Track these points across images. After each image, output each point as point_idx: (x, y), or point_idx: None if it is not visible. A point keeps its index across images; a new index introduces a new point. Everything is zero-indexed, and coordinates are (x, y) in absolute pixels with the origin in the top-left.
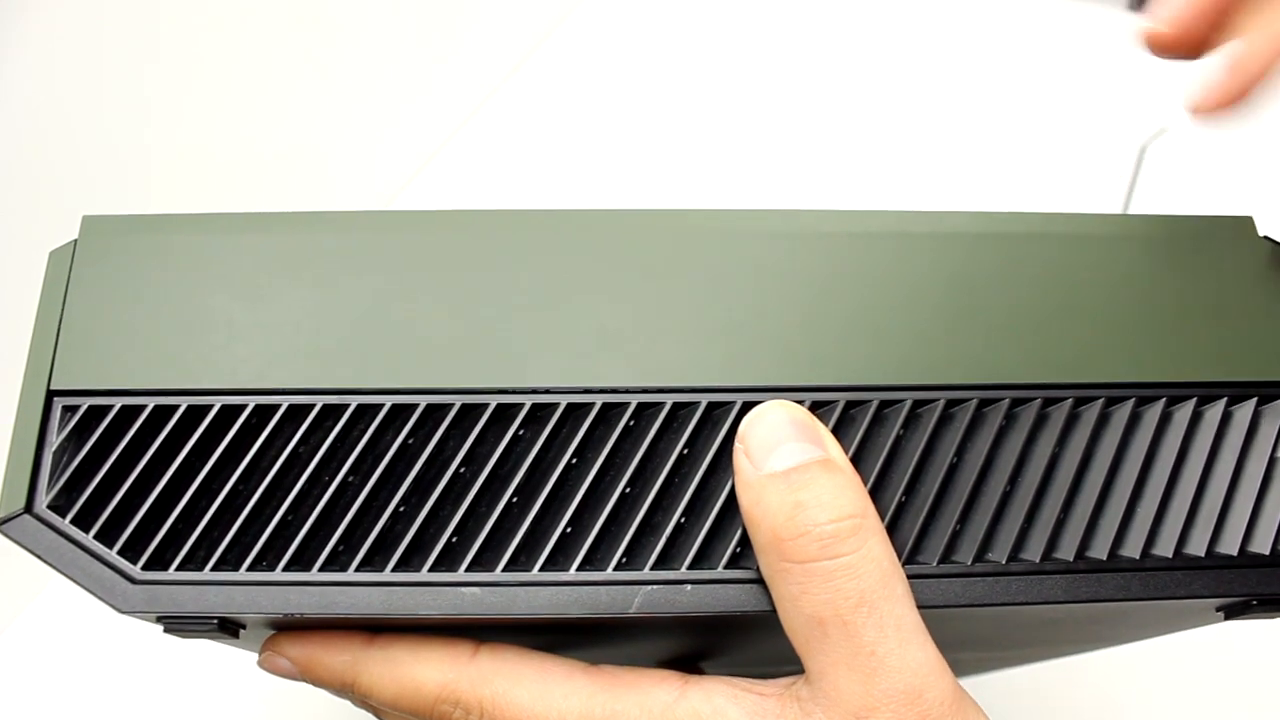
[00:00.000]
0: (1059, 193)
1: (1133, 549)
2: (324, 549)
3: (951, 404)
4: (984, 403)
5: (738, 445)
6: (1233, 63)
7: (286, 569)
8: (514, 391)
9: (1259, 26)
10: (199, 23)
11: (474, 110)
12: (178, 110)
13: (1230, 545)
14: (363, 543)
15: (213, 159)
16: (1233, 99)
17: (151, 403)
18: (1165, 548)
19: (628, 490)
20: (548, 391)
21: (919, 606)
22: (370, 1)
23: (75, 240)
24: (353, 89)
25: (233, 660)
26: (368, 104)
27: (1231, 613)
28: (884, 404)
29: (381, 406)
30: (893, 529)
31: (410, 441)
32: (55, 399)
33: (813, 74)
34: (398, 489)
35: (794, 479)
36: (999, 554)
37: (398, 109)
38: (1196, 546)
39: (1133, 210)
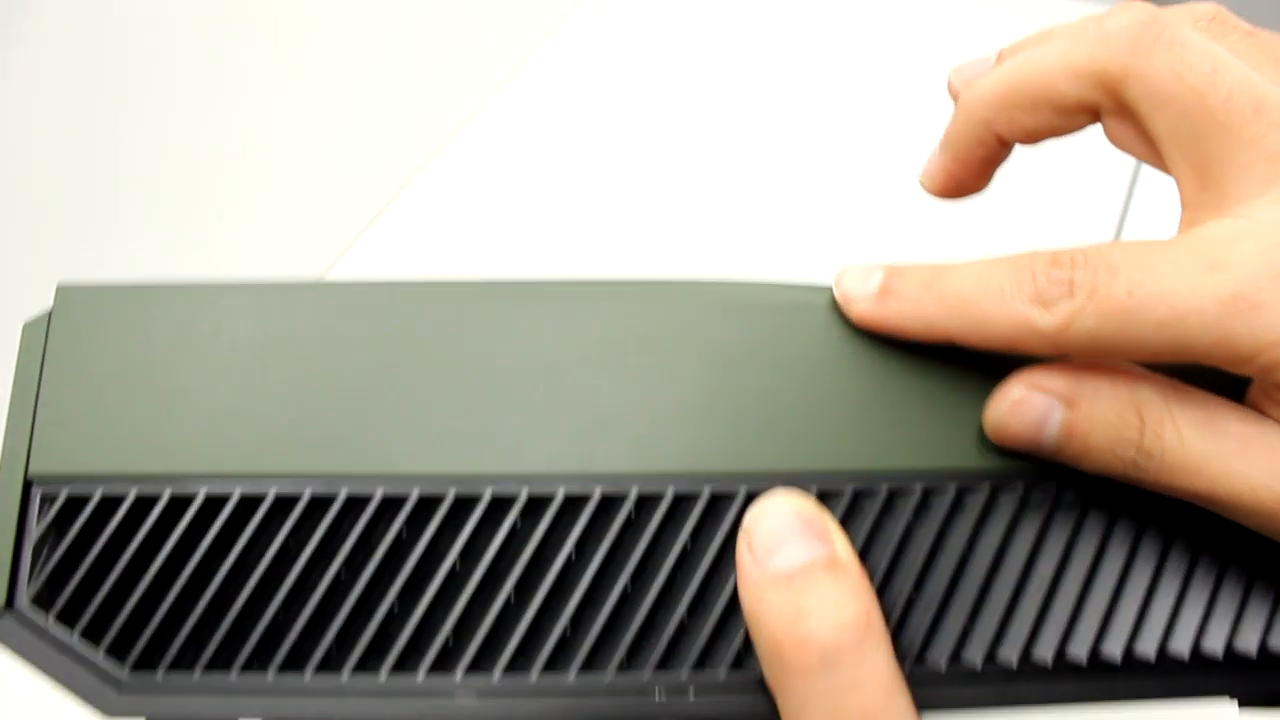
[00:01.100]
0: (1058, 194)
1: (1148, 646)
2: (317, 650)
3: (964, 491)
4: (997, 489)
5: (741, 539)
6: (943, 140)
7: (280, 672)
8: (509, 478)
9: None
10: (191, 15)
11: (473, 112)
12: (174, 105)
13: (1248, 643)
14: (357, 644)
15: (206, 156)
16: (954, 182)
17: (134, 490)
18: (1181, 645)
19: (629, 587)
20: (545, 478)
21: (926, 709)
22: (368, 4)
23: (50, 312)
24: (350, 92)
25: None
26: (365, 107)
27: (1245, 702)
28: (894, 492)
29: (372, 498)
30: (901, 626)
31: (403, 535)
32: (34, 486)
33: (815, 73)
34: (391, 586)
35: (797, 582)
36: (1010, 653)
37: (395, 111)
38: (1214, 644)
39: (1131, 212)
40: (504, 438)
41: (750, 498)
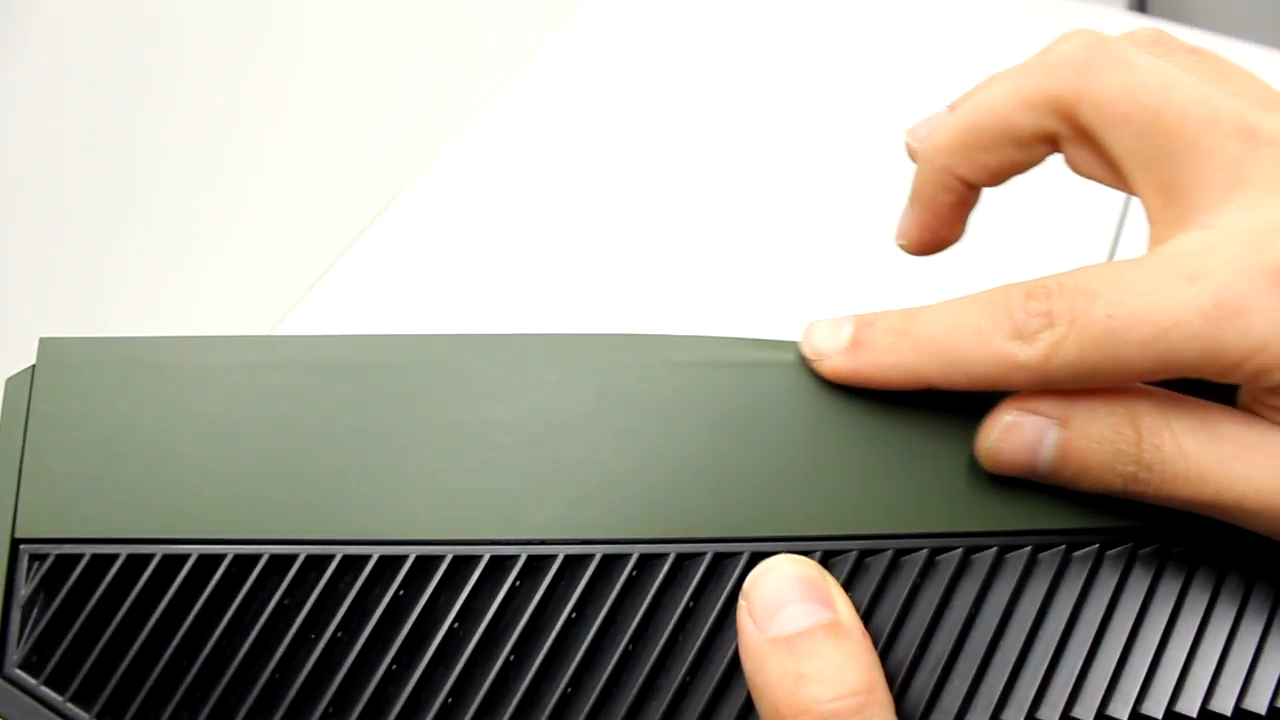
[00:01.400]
0: (1057, 197)
1: (1155, 706)
2: (314, 713)
3: (971, 552)
4: (1004, 549)
5: (741, 603)
6: (911, 195)
7: None
8: (509, 543)
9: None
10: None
11: (468, 117)
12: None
13: (1258, 703)
14: (355, 705)
15: (200, 155)
16: (929, 234)
17: (124, 552)
18: (1190, 705)
19: (630, 647)
20: (544, 542)
21: None
22: (362, 6)
23: (33, 367)
24: (344, 95)
25: None
26: (360, 109)
27: None
28: (900, 553)
29: (369, 558)
30: (905, 688)
31: (401, 594)
32: (21, 547)
33: (816, 77)
34: (389, 647)
35: (797, 646)
36: (1015, 714)
37: (391, 114)
38: (1223, 704)
39: (1131, 214)
40: (502, 502)
41: (754, 559)
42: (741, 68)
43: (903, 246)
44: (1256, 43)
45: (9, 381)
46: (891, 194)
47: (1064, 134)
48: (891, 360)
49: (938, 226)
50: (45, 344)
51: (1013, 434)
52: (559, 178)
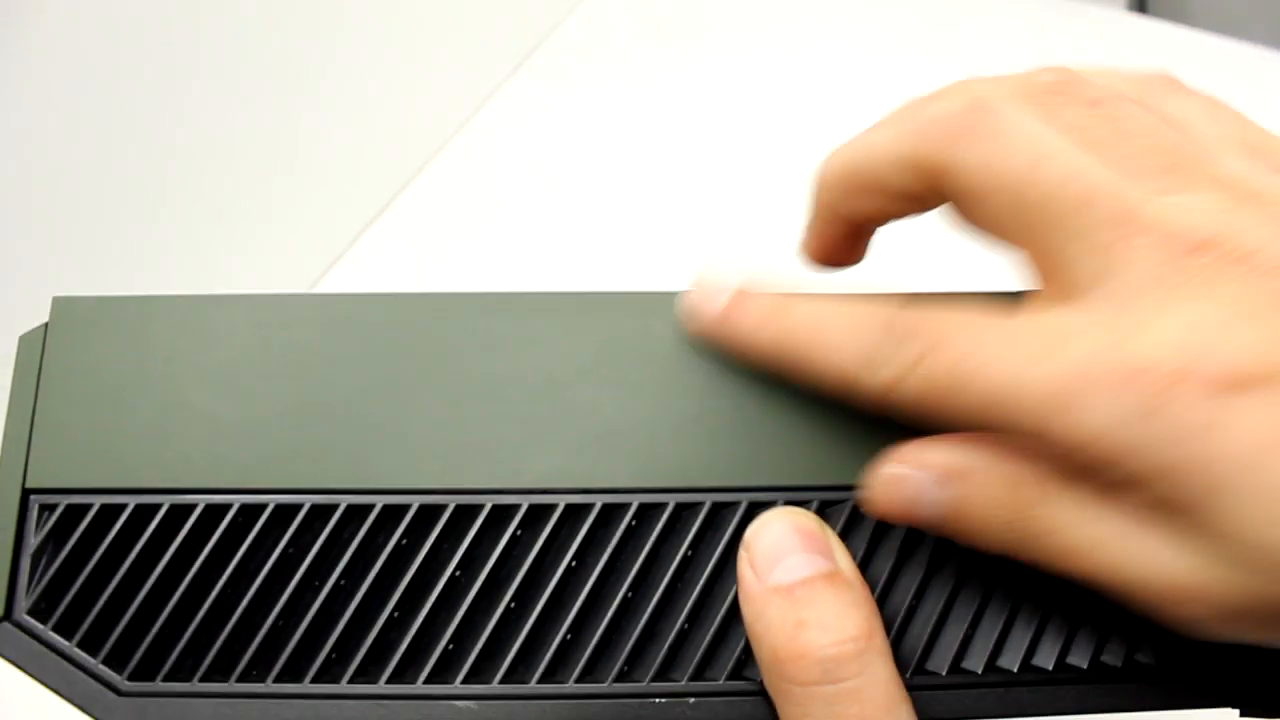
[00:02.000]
0: None
1: (1148, 654)
2: (317, 658)
3: None
4: None
5: (742, 553)
6: (808, 216)
7: (278, 679)
8: (510, 492)
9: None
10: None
11: (469, 117)
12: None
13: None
14: (357, 651)
15: (202, 155)
16: (824, 256)
17: (132, 502)
18: (1185, 650)
19: (629, 595)
20: (545, 492)
21: (928, 718)
22: (365, 4)
23: (46, 324)
24: (346, 93)
25: None
26: (362, 107)
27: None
28: None
29: (373, 507)
30: (902, 635)
31: (404, 543)
32: (31, 497)
33: (817, 72)
34: (391, 594)
35: (797, 595)
36: (1011, 660)
37: (394, 112)
38: (1216, 648)
39: None
40: (504, 452)
41: (752, 508)
42: (741, 65)
43: (803, 259)
44: (1256, 43)
45: (22, 339)
46: None
47: (932, 198)
48: (753, 338)
49: (833, 252)
50: (58, 302)
51: (893, 488)
52: (561, 176)
